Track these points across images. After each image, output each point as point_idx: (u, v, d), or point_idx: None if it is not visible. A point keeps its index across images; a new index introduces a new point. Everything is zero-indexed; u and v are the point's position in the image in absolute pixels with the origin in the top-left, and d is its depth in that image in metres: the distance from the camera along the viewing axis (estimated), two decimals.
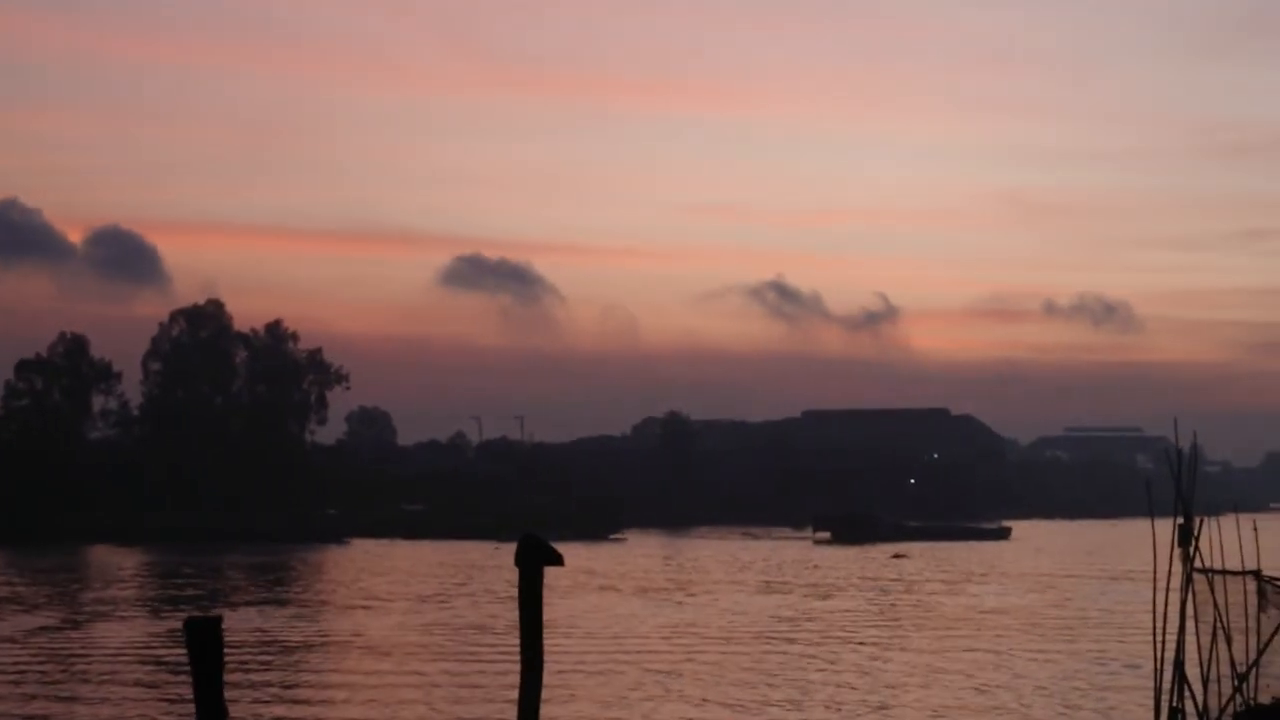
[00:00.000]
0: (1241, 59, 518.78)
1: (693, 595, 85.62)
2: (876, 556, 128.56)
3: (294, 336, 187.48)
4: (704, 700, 44.46)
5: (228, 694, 20.18)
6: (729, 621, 69.72)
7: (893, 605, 79.33)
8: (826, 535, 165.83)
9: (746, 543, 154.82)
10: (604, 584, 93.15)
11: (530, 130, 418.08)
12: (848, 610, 75.80)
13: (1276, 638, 33.33)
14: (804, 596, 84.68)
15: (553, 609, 64.72)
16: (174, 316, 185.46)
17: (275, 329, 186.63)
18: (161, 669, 51.33)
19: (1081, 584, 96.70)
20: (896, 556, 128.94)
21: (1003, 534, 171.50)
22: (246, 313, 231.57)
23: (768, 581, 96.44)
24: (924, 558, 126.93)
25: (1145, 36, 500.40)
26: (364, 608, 76.64)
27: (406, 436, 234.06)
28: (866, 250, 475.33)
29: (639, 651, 57.01)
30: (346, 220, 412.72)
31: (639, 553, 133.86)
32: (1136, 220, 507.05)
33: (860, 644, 60.32)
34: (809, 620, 70.44)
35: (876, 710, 42.84)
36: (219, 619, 20.15)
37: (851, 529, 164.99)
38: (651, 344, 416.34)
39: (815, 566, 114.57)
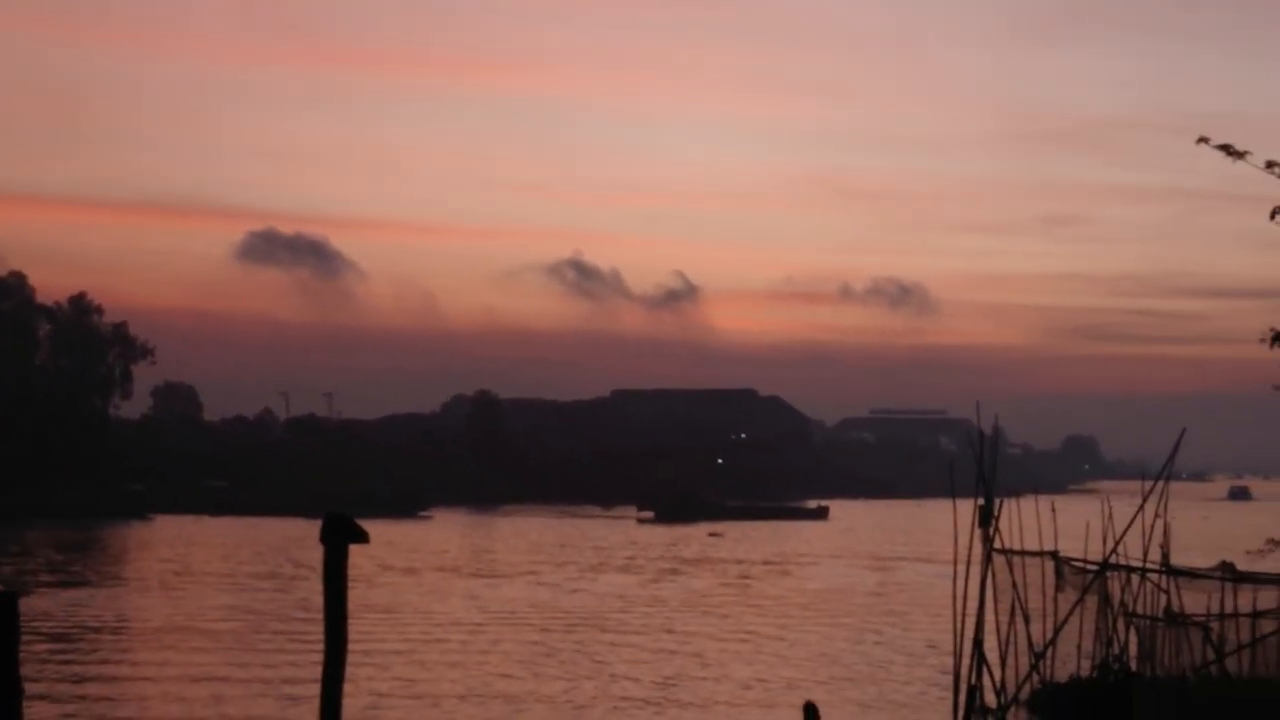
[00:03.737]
0: (1050, 46, 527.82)
1: (536, 577, 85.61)
2: (700, 536, 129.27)
3: (98, 310, 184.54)
4: (527, 685, 44.45)
5: (25, 674, 19.83)
6: (566, 604, 69.78)
7: (719, 586, 79.84)
8: (650, 514, 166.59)
9: (571, 522, 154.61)
10: (413, 564, 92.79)
11: (328, 104, 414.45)
12: (681, 591, 76.14)
13: (1073, 617, 33.97)
14: (641, 578, 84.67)
15: (367, 590, 64.55)
16: None
17: (79, 302, 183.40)
18: None
19: (892, 563, 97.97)
20: (712, 535, 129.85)
21: (821, 514, 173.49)
22: (49, 285, 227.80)
23: (602, 562, 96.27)
24: (749, 538, 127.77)
25: (954, 22, 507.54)
26: (165, 585, 75.67)
27: (213, 412, 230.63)
28: (666, 230, 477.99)
29: (461, 636, 56.89)
30: (146, 192, 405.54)
31: (450, 531, 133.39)
32: (940, 204, 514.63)
33: (676, 626, 60.67)
34: (643, 603, 70.64)
35: (686, 689, 43.14)
36: (15, 594, 19.80)
37: (675, 508, 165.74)
38: (454, 322, 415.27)
39: (643, 545, 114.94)
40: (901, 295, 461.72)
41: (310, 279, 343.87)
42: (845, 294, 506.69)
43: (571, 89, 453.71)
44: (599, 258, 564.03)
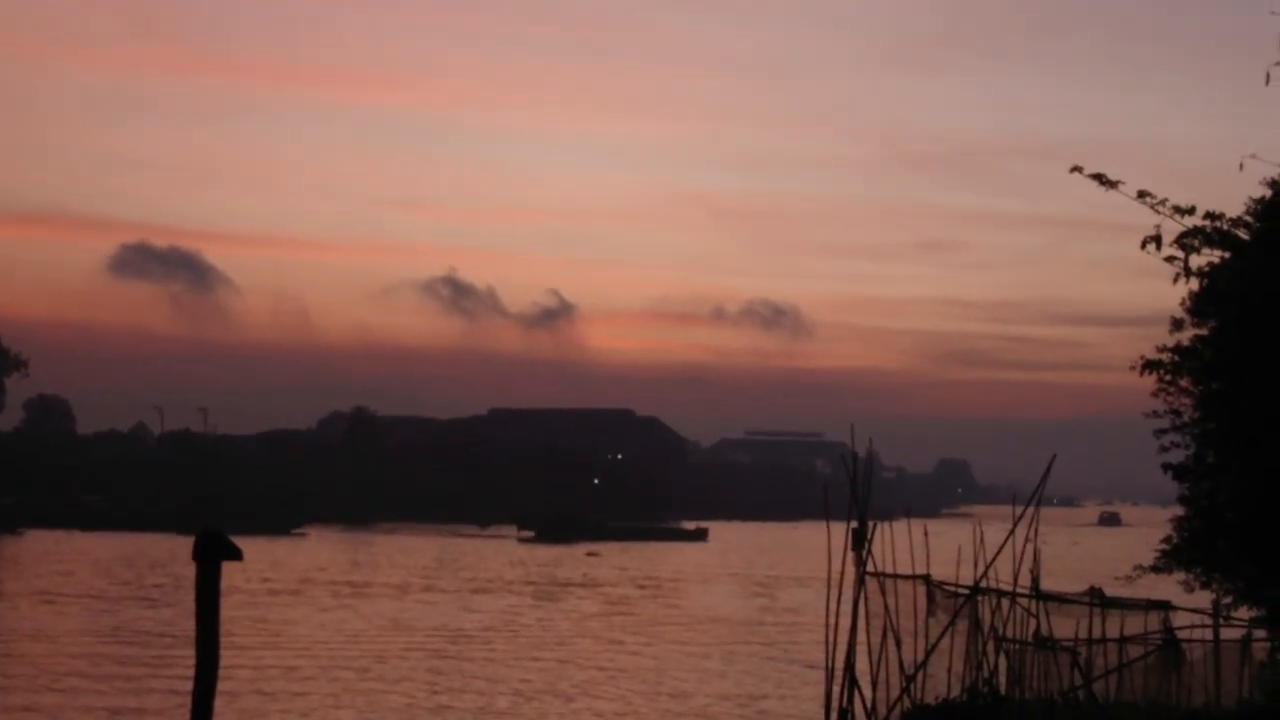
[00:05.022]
0: (927, 73, 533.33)
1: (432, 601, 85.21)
2: (580, 556, 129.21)
3: None
4: (403, 715, 44.32)
5: None
6: (442, 626, 69.54)
7: (598, 609, 79.85)
8: (530, 534, 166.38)
9: (450, 541, 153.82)
10: (288, 585, 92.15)
11: (203, 117, 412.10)
12: (560, 614, 76.01)
13: (944, 641, 34.25)
14: (521, 599, 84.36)
15: (240, 610, 64.01)
16: None
17: None
18: None
19: (769, 586, 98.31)
20: (590, 555, 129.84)
21: (700, 535, 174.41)
22: None
23: (482, 584, 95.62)
24: (629, 559, 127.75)
25: (838, 47, 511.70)
26: (33, 603, 74.68)
27: (86, 425, 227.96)
28: (541, 249, 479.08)
29: (329, 657, 56.61)
30: (18, 203, 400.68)
31: (326, 549, 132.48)
32: (815, 227, 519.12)
33: (555, 650, 60.63)
34: (523, 626, 70.46)
35: (565, 715, 43.15)
36: None
37: (556, 528, 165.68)
38: (330, 338, 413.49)
39: (524, 566, 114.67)
40: (775, 317, 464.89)
41: (184, 292, 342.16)
42: (719, 315, 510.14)
43: (448, 106, 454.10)
44: (474, 275, 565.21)
